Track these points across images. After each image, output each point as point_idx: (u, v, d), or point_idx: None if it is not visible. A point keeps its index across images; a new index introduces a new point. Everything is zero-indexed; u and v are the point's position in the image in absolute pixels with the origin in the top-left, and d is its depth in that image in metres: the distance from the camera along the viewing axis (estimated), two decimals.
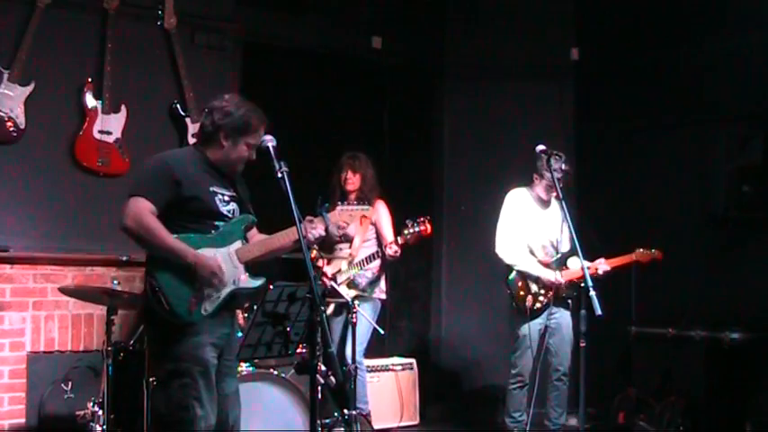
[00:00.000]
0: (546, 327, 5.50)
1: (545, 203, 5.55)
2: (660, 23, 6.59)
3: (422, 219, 5.33)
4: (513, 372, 5.52)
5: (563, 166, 5.30)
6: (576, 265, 5.29)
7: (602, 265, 5.32)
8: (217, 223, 3.81)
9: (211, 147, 3.85)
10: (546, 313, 5.47)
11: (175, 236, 3.68)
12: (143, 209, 3.64)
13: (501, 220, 5.57)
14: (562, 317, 5.50)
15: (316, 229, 3.83)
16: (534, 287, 5.44)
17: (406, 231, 5.36)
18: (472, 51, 7.39)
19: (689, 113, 6.42)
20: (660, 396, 5.92)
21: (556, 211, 5.50)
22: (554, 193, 5.36)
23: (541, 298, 5.43)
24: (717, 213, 6.10)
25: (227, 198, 3.87)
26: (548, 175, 5.21)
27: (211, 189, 3.81)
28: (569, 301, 5.48)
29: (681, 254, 6.01)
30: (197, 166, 3.81)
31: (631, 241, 5.53)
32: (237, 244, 3.84)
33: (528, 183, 5.57)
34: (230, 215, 3.87)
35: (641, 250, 5.46)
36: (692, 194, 6.31)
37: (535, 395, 5.44)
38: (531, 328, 5.41)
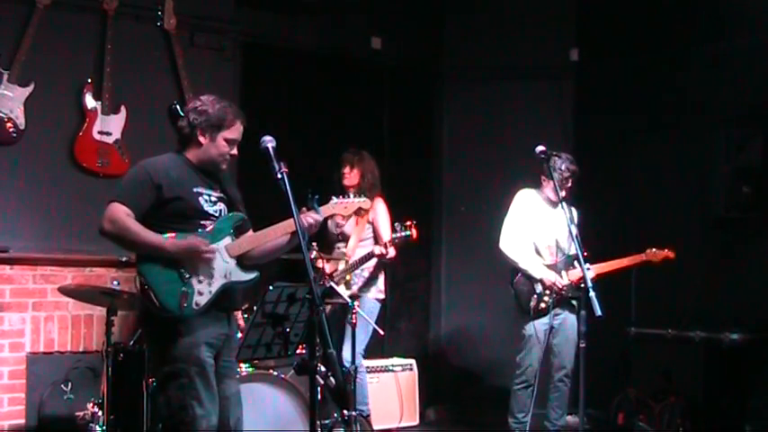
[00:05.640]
0: (551, 327, 5.50)
1: (553, 204, 5.53)
2: (660, 23, 6.59)
3: (409, 223, 5.30)
4: (518, 372, 5.52)
5: (570, 167, 5.32)
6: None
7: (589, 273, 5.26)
8: (203, 223, 3.82)
9: (191, 147, 3.87)
10: (551, 313, 5.47)
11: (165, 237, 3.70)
12: (118, 211, 3.69)
13: (508, 217, 5.57)
14: (566, 317, 5.49)
15: (307, 219, 3.81)
16: (539, 287, 5.43)
17: (393, 235, 5.35)
18: (472, 52, 7.39)
19: (688, 114, 6.42)
20: (660, 397, 5.91)
21: (564, 212, 5.47)
22: (562, 194, 5.36)
23: (546, 299, 5.43)
24: (716, 214, 6.10)
25: (213, 198, 3.87)
26: (556, 175, 5.19)
27: (195, 190, 3.81)
28: (574, 302, 5.45)
29: (680, 254, 5.99)
30: (179, 168, 3.83)
31: (630, 242, 5.52)
32: (227, 240, 3.84)
33: (536, 184, 5.55)
34: (218, 215, 3.87)
35: (653, 250, 5.44)
36: (691, 195, 6.31)
37: (535, 395, 5.44)
38: (537, 328, 5.41)
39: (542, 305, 5.43)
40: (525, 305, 5.43)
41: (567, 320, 5.48)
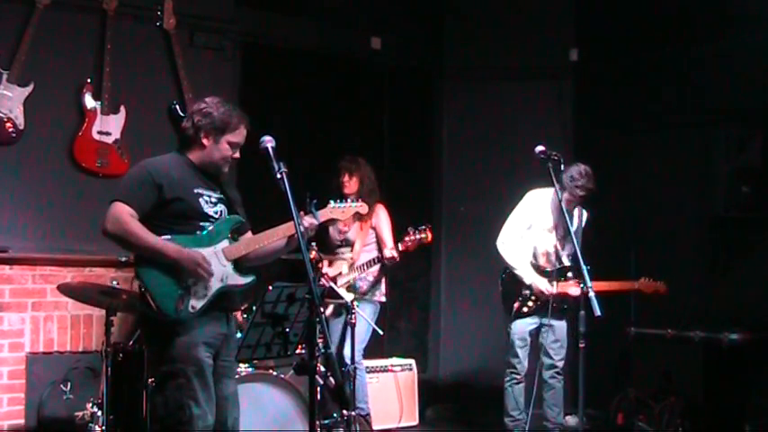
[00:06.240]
0: (540, 325, 5.51)
1: (561, 208, 5.50)
2: (660, 23, 6.59)
3: (423, 227, 5.39)
4: (508, 370, 5.57)
5: (588, 185, 5.31)
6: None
7: (573, 289, 5.30)
8: (203, 224, 3.81)
9: (193, 149, 3.86)
10: (538, 314, 5.48)
11: (164, 238, 3.70)
12: (121, 212, 3.68)
13: (511, 216, 5.57)
14: (555, 320, 5.50)
15: (303, 222, 3.81)
16: (525, 291, 5.46)
17: (407, 238, 5.41)
18: (471, 52, 7.39)
19: (688, 114, 6.42)
20: (659, 397, 5.91)
21: (573, 220, 5.46)
22: (573, 205, 5.36)
23: (530, 303, 5.46)
24: (716, 214, 6.09)
25: (213, 200, 3.87)
26: (575, 191, 5.22)
27: (196, 191, 3.81)
28: (560, 311, 5.48)
29: (680, 254, 6.01)
30: (180, 169, 3.82)
31: (629, 241, 5.51)
32: (224, 243, 3.83)
33: (551, 183, 5.54)
34: (217, 216, 3.87)
35: (646, 280, 5.44)
36: (691, 195, 6.31)
37: (534, 395, 5.44)
38: (519, 327, 5.48)
39: (525, 309, 5.47)
40: (508, 305, 5.50)
41: (557, 322, 5.50)
